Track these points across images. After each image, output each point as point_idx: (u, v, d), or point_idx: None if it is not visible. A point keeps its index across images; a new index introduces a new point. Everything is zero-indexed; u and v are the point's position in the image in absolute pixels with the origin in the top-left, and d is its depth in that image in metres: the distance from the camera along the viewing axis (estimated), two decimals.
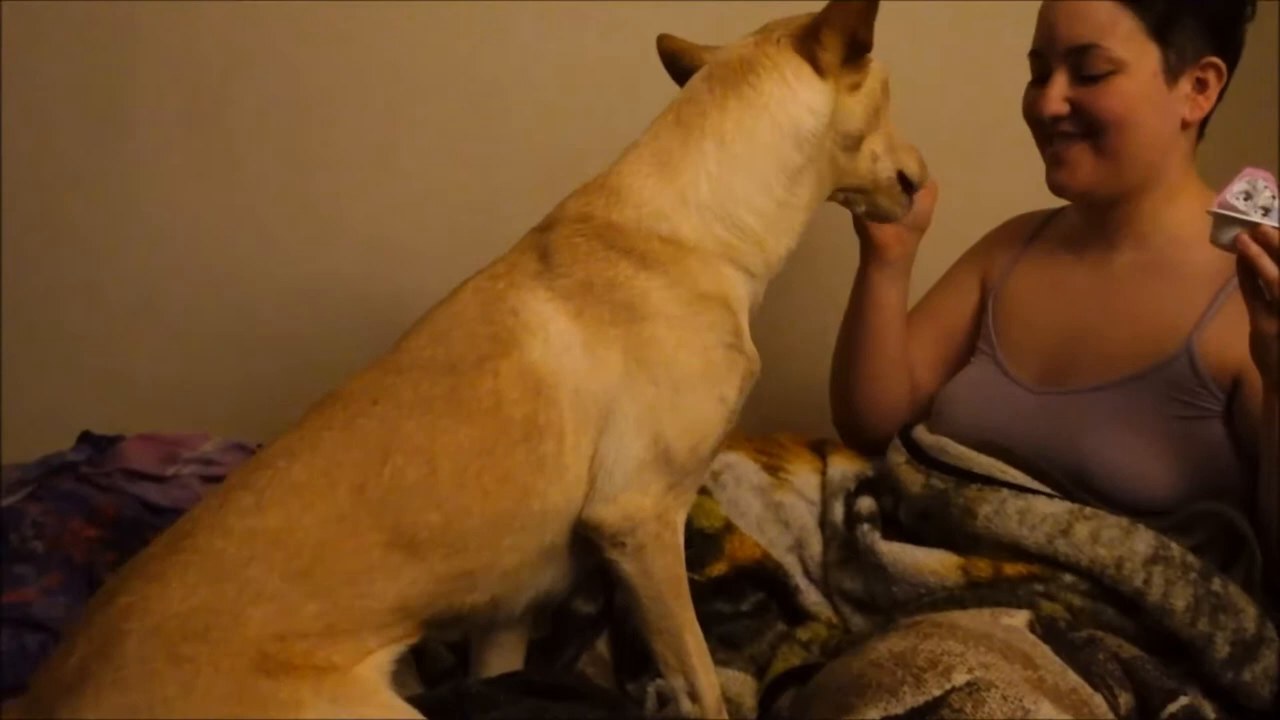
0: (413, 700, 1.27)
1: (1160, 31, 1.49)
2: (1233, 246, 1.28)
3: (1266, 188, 1.28)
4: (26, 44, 2.08)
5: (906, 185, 1.47)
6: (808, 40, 1.33)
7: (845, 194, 1.45)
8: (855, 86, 1.36)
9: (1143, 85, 1.50)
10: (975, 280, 1.78)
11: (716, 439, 1.32)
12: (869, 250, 1.70)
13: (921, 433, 1.64)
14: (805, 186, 1.36)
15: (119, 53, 2.10)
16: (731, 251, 1.33)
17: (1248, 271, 1.28)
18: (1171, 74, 1.51)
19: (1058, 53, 1.53)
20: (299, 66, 2.12)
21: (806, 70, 1.33)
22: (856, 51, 1.34)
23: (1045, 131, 1.57)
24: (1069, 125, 1.54)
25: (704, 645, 1.33)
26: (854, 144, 1.39)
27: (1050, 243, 1.74)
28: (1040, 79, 1.58)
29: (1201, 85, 1.53)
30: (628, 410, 1.26)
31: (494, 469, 1.22)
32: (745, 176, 1.32)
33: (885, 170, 1.43)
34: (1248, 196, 1.28)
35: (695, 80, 1.38)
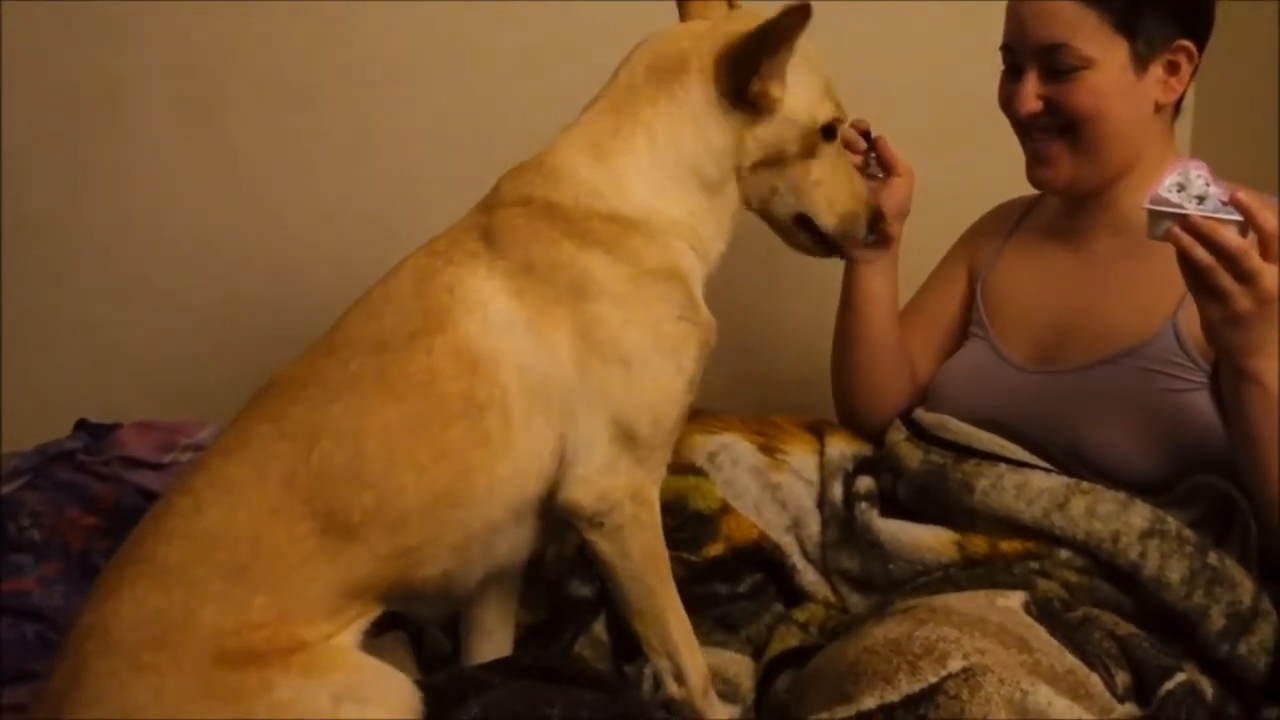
0: None
1: (1125, 25, 1.49)
2: (1167, 238, 1.28)
3: (1199, 177, 1.28)
4: (24, 36, 2.08)
5: (815, 233, 1.41)
6: (724, 65, 1.29)
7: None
8: (757, 125, 1.31)
9: (1113, 79, 1.51)
10: (962, 271, 1.79)
11: (678, 410, 1.30)
12: None
13: (921, 413, 1.65)
14: (729, 197, 1.35)
15: (115, 43, 2.11)
16: (673, 229, 1.31)
17: (1186, 263, 1.28)
18: (1141, 63, 1.52)
19: (1028, 51, 1.53)
20: (293, 56, 2.13)
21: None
22: (749, 97, 1.29)
23: (1023, 126, 1.58)
24: (1045, 121, 1.55)
25: (688, 626, 1.32)
26: (751, 171, 1.34)
27: (1034, 228, 1.75)
28: (1012, 72, 1.59)
29: (1173, 68, 1.54)
30: (582, 391, 1.24)
31: (428, 445, 1.20)
32: (674, 178, 1.31)
33: (782, 208, 1.39)
34: (1181, 188, 1.28)
35: (637, 63, 1.34)
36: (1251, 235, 1.26)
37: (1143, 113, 1.54)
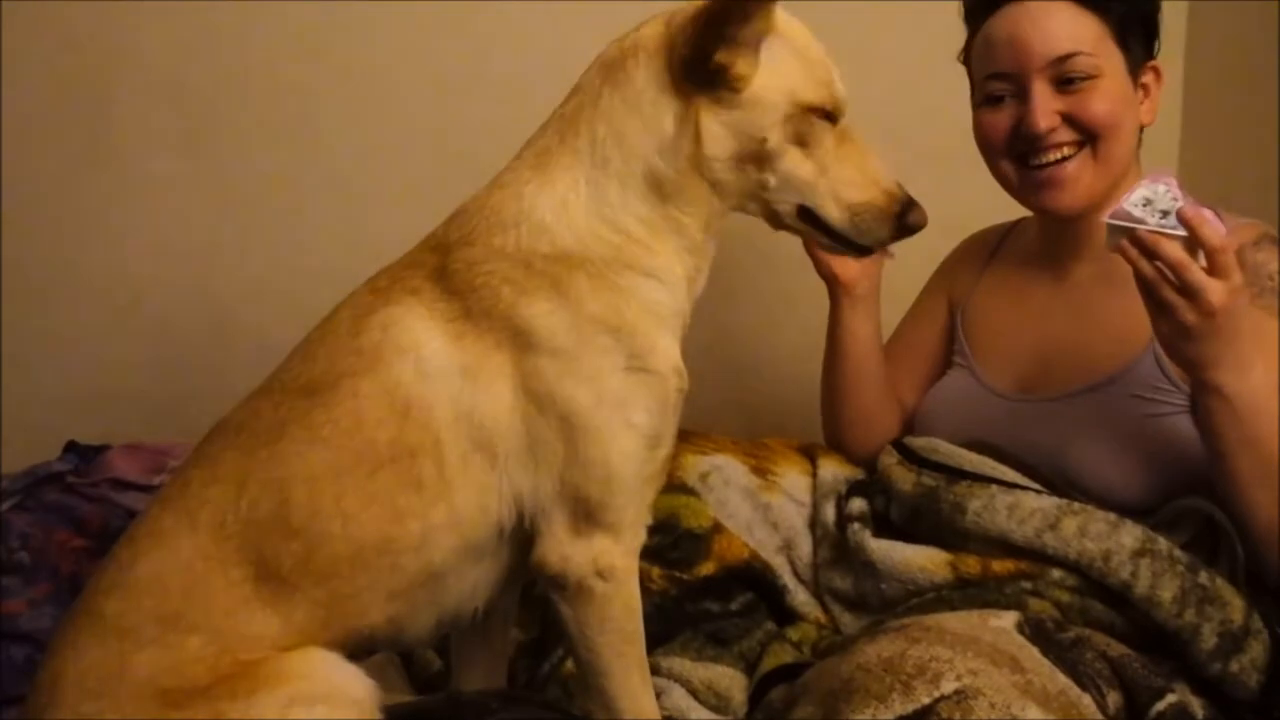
0: (404, 707, 1.29)
1: (1121, 36, 1.53)
2: (1118, 252, 1.30)
3: (1167, 191, 1.29)
4: (17, 62, 2.09)
5: (825, 228, 1.25)
6: (675, 39, 1.18)
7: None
8: (718, 107, 1.18)
9: (1121, 87, 1.53)
10: (942, 303, 1.81)
11: (635, 469, 1.19)
12: (837, 289, 1.70)
13: (912, 438, 1.65)
14: (693, 202, 1.22)
15: (106, 70, 2.11)
16: (626, 256, 1.20)
17: (1138, 276, 1.30)
18: (1133, 77, 1.55)
19: (1034, 67, 1.52)
20: (285, 77, 2.14)
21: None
22: (712, 75, 1.17)
23: (1020, 152, 1.57)
24: (1062, 137, 1.53)
25: (649, 714, 1.23)
26: (731, 166, 1.21)
27: (1011, 256, 1.76)
28: (996, 101, 1.58)
29: (1145, 90, 1.57)
30: (528, 443, 1.17)
31: (355, 492, 1.15)
32: (620, 184, 1.20)
33: (781, 205, 1.24)
34: (1148, 202, 1.29)
35: (592, 65, 1.24)
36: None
37: (1137, 129, 1.57)
